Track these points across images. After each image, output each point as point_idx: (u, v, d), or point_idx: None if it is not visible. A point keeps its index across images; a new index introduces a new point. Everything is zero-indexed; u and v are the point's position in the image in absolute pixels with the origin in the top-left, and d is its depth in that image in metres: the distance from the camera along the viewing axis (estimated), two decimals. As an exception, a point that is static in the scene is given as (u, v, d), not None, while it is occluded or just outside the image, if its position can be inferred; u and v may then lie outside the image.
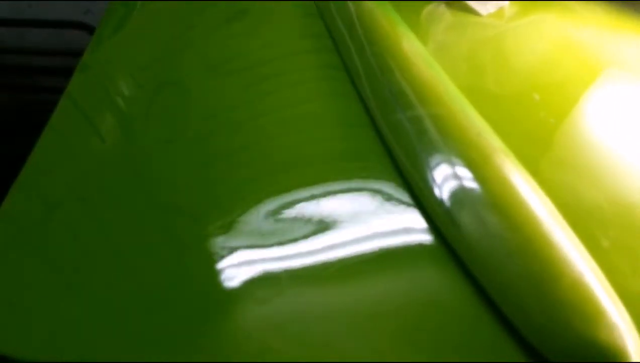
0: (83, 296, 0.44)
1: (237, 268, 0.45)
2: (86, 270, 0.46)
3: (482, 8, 0.65)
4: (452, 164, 0.47)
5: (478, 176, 0.45)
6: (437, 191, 0.47)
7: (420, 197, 0.49)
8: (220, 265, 0.46)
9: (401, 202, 0.50)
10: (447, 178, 0.47)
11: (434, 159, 0.48)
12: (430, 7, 0.68)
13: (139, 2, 0.80)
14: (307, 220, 0.49)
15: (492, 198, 0.44)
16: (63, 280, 0.46)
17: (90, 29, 1.22)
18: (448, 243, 0.46)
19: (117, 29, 0.77)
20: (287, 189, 0.51)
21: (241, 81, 0.64)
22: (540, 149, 0.51)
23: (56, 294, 0.45)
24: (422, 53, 0.57)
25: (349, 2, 0.66)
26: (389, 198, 0.51)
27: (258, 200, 0.50)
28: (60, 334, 0.42)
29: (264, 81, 0.64)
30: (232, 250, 0.46)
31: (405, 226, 0.48)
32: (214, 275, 0.45)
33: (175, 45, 0.71)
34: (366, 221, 0.49)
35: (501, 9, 0.66)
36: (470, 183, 0.45)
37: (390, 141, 0.53)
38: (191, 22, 0.75)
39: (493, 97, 0.56)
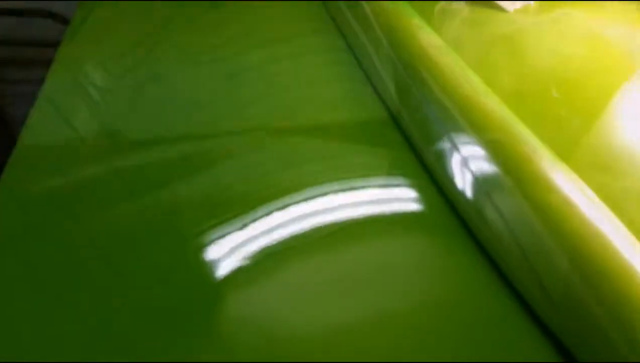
0: (74, 300, 0.42)
1: (231, 263, 0.43)
2: (75, 273, 0.43)
3: (508, 4, 0.63)
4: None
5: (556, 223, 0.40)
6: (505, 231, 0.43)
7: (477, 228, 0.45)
8: (213, 262, 0.43)
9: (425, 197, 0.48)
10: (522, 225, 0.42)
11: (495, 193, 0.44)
12: (446, 2, 0.66)
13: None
14: (312, 214, 0.46)
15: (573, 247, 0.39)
16: (52, 284, 0.43)
17: (56, 18, 1.17)
18: (471, 233, 0.44)
19: (91, 22, 0.74)
20: (285, 187, 0.49)
21: (222, 70, 0.62)
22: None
23: (46, 296, 0.42)
24: (457, 61, 0.53)
25: (362, 1, 0.63)
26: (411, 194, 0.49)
27: (252, 199, 0.48)
28: (49, 336, 0.40)
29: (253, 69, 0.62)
30: (225, 249, 0.44)
31: (423, 215, 0.46)
32: (208, 269, 0.43)
33: (154, 37, 0.69)
34: (382, 217, 0.46)
35: (527, 5, 0.64)
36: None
37: (432, 164, 0.50)
38: (168, 13, 0.73)
39: (516, 95, 0.54)
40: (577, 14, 0.64)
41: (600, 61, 0.59)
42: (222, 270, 0.42)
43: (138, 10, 0.74)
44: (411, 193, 0.48)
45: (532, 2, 0.64)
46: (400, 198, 0.48)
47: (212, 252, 0.44)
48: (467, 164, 0.45)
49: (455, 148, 0.46)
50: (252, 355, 0.38)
